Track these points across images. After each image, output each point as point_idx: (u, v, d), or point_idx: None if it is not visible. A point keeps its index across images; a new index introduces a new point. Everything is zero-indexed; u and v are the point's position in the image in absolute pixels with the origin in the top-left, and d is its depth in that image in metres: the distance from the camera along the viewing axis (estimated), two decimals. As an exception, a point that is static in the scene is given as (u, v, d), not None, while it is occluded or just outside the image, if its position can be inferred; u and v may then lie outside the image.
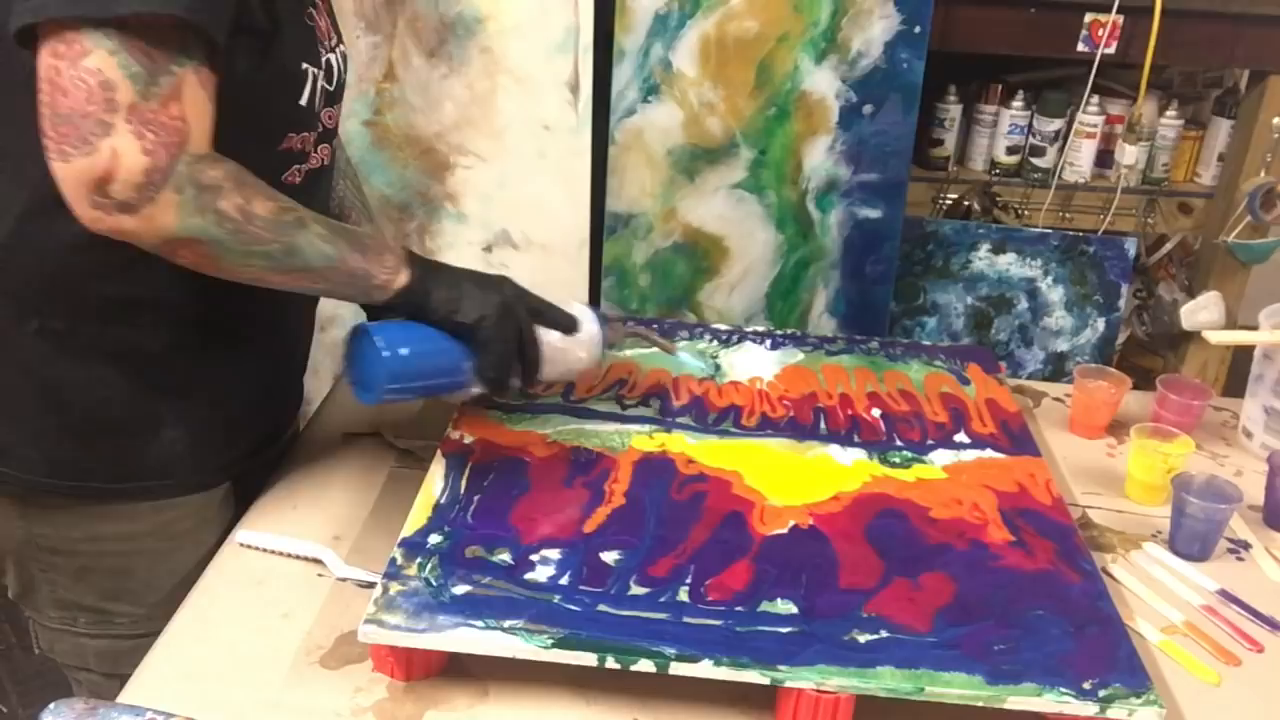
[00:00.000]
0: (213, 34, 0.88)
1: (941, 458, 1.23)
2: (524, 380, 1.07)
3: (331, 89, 1.09)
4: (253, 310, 1.08)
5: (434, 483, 1.12)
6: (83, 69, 0.84)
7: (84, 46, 0.84)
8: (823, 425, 1.28)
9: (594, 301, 1.85)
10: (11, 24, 0.85)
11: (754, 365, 1.40)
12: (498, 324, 1.02)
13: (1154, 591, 1.14)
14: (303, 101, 1.02)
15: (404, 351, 1.02)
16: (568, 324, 1.09)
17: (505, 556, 1.02)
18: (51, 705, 0.84)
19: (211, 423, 1.12)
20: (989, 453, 1.25)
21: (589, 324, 1.13)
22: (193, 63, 0.88)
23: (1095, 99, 1.98)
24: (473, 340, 1.03)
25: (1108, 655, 0.95)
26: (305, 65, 1.01)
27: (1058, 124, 2.01)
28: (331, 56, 1.08)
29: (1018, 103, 2.03)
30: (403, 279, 1.00)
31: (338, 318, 1.79)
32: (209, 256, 0.92)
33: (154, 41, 0.85)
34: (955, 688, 0.90)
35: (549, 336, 1.08)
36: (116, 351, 1.04)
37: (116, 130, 0.85)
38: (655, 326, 1.42)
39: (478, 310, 1.02)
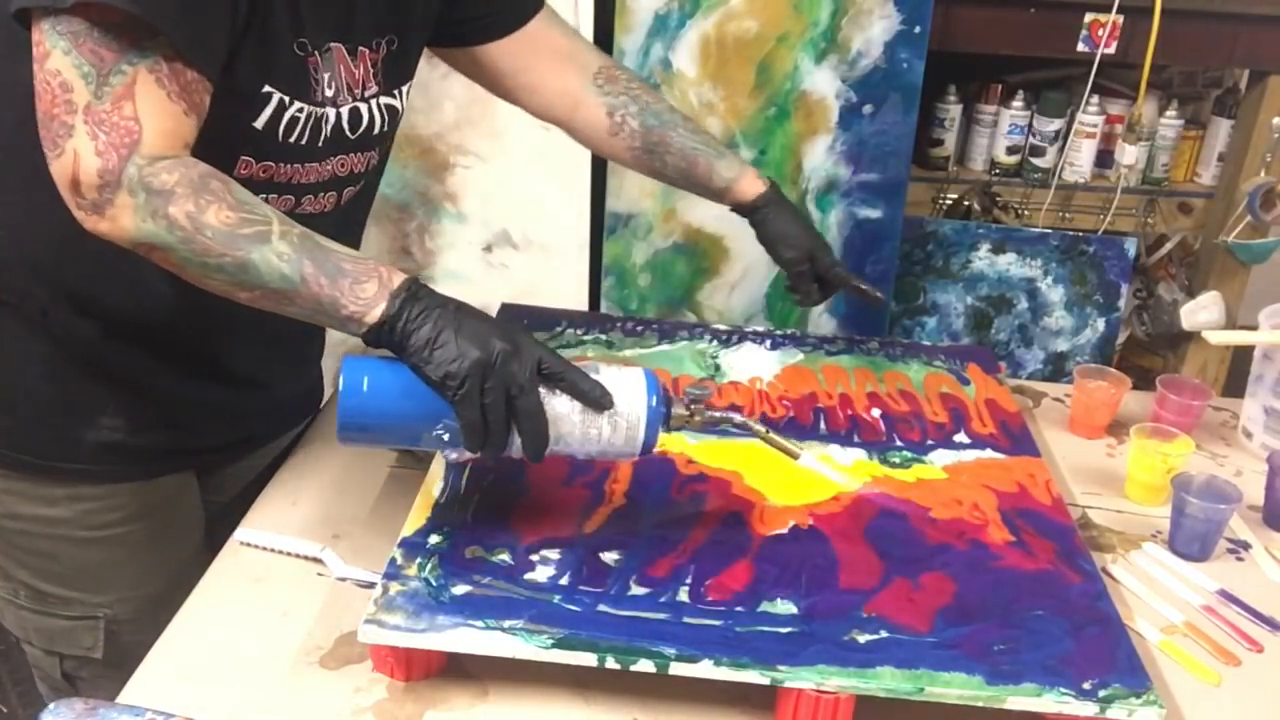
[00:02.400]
0: (167, 30, 0.85)
1: (941, 458, 1.23)
2: (525, 453, 0.93)
3: (352, 137, 1.06)
4: (216, 322, 1.07)
5: (434, 483, 1.12)
6: (47, 71, 0.85)
7: (45, 48, 0.85)
8: (823, 425, 1.28)
9: (594, 304, 1.85)
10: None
11: (754, 365, 1.40)
12: (471, 384, 0.89)
13: (1154, 591, 1.14)
14: (258, 124, 0.97)
15: (366, 390, 0.92)
16: (591, 396, 0.94)
17: (505, 557, 1.02)
18: (51, 705, 0.84)
19: (151, 421, 1.12)
20: (989, 453, 1.25)
21: (634, 398, 0.95)
22: (147, 60, 0.86)
23: (1095, 99, 1.98)
24: (444, 398, 0.91)
25: (1108, 655, 0.95)
26: (269, 89, 0.97)
27: (1058, 124, 2.01)
28: (361, 106, 1.05)
29: (1018, 103, 2.03)
30: (375, 314, 0.89)
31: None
32: (173, 264, 0.89)
33: (103, 39, 0.84)
34: (955, 688, 0.90)
35: (563, 406, 0.94)
36: (53, 330, 1.04)
37: (76, 131, 0.85)
38: (772, 428, 1.06)
39: (448, 365, 0.89)
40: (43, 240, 1.01)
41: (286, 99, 0.98)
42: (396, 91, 1.11)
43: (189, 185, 0.87)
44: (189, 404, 1.14)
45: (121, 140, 0.85)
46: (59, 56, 0.84)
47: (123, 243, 0.88)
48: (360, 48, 1.04)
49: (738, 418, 1.03)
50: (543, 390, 0.92)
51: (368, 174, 1.12)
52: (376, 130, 1.09)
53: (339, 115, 1.03)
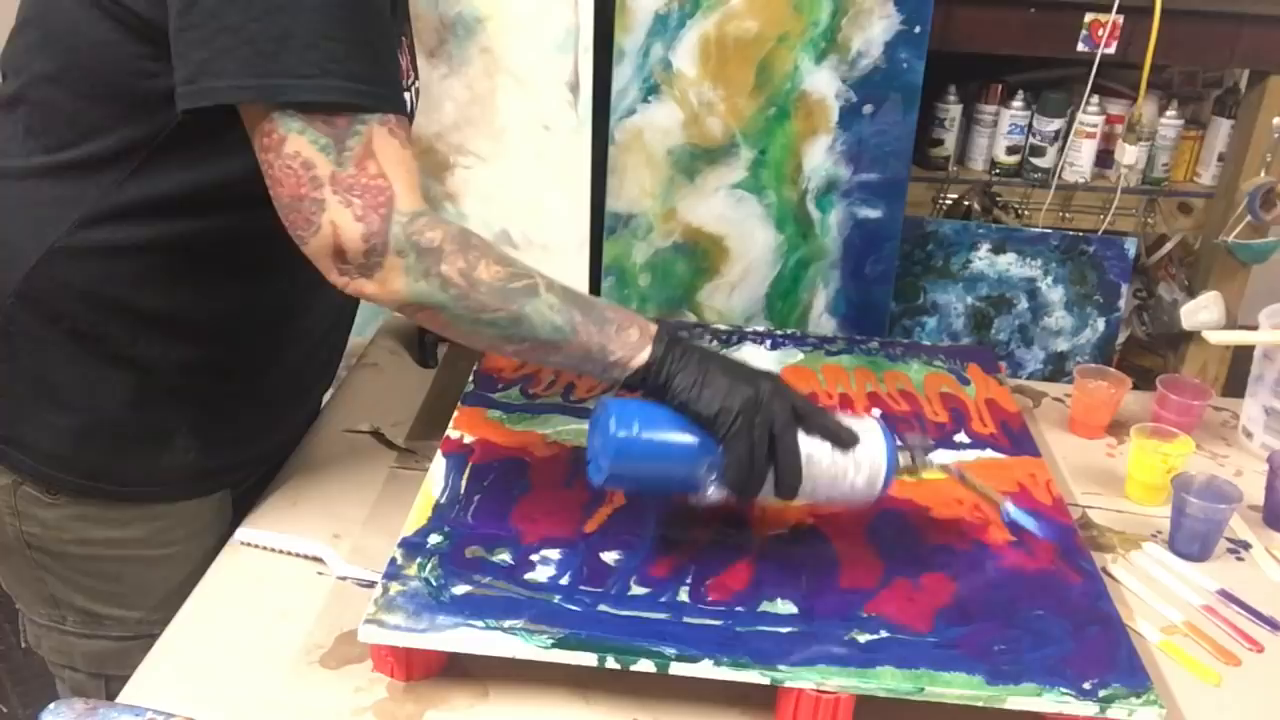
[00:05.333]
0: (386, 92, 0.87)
1: (942, 458, 1.23)
2: (779, 492, 0.95)
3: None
4: (278, 332, 1.09)
5: (434, 483, 1.12)
6: (285, 156, 0.85)
7: (280, 134, 0.85)
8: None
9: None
10: (186, 99, 0.85)
11: (754, 365, 1.40)
12: (743, 420, 0.92)
13: (1154, 591, 1.14)
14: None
15: (634, 431, 0.94)
16: (842, 437, 0.97)
17: (505, 556, 1.02)
18: (51, 705, 0.84)
19: (220, 438, 1.12)
20: (989, 453, 1.25)
21: (874, 443, 0.98)
22: (375, 115, 0.87)
23: (1095, 99, 1.98)
24: (715, 435, 0.94)
25: (1108, 655, 0.95)
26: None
27: (1058, 124, 2.01)
28: (408, 95, 1.07)
29: (1018, 103, 2.02)
30: (642, 358, 0.94)
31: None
32: (443, 323, 0.91)
33: (333, 109, 0.85)
34: (955, 688, 0.90)
35: (815, 447, 0.96)
36: (139, 360, 1.04)
37: (328, 204, 0.85)
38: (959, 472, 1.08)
39: (720, 401, 0.92)
40: (128, 269, 1.01)
41: (406, 120, 1.00)
42: (418, 75, 1.13)
43: (455, 242, 0.89)
44: (252, 418, 1.15)
45: (377, 200, 0.86)
46: (295, 139, 0.84)
47: (392, 305, 0.89)
48: (401, 37, 1.06)
49: (953, 468, 1.06)
50: (798, 431, 0.95)
51: None
52: (412, 116, 1.10)
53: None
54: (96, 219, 0.98)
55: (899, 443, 1.01)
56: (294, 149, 0.85)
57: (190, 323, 1.04)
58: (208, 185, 0.97)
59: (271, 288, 1.06)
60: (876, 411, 1.01)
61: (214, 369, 1.08)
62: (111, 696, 1.15)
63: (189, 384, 1.07)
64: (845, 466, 0.97)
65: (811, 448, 0.96)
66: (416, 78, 1.12)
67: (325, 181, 0.85)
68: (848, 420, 0.99)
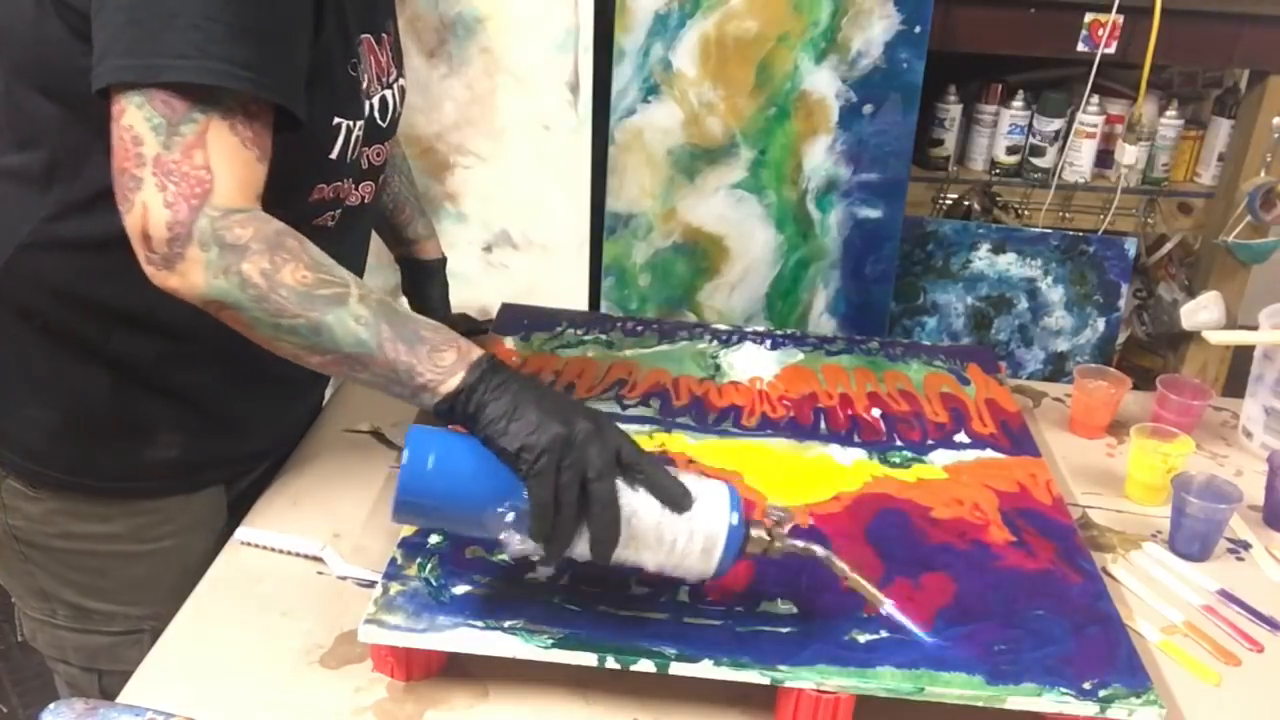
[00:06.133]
0: (258, 88, 0.85)
1: (942, 458, 1.23)
2: (592, 550, 0.86)
3: (384, 125, 1.07)
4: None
5: (434, 483, 1.11)
6: (121, 127, 0.84)
7: (121, 105, 0.84)
8: (823, 425, 1.28)
9: (594, 304, 1.85)
10: (94, 83, 0.85)
11: (754, 365, 1.40)
12: (548, 459, 0.83)
13: (1154, 591, 1.14)
14: (333, 155, 0.99)
15: (428, 463, 0.85)
16: (675, 496, 0.86)
17: (505, 556, 1.01)
18: (51, 705, 0.84)
19: (204, 434, 1.12)
20: (989, 453, 1.25)
21: (715, 512, 0.87)
22: (219, 109, 0.84)
23: (1095, 99, 1.98)
24: (517, 474, 0.85)
25: (1108, 655, 0.95)
26: (338, 120, 0.98)
27: (1058, 124, 2.01)
28: (387, 94, 1.07)
29: (1018, 103, 2.03)
30: (452, 384, 0.85)
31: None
32: (243, 324, 0.86)
33: (177, 92, 0.83)
34: (955, 688, 0.90)
35: (641, 503, 0.85)
36: (114, 355, 1.04)
37: (144, 184, 0.83)
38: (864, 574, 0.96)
39: (525, 437, 0.83)
40: (96, 264, 1.00)
41: (351, 124, 0.99)
42: (402, 73, 1.13)
43: (264, 241, 0.84)
44: (238, 414, 1.14)
45: (192, 190, 0.83)
46: (133, 112, 0.83)
47: (193, 300, 0.86)
48: (382, 34, 1.06)
49: (820, 551, 0.92)
50: (619, 483, 0.85)
51: (385, 163, 1.14)
52: (394, 115, 1.10)
53: (372, 107, 1.04)
54: (61, 214, 0.98)
55: (752, 517, 0.90)
56: (129, 122, 0.83)
57: (161, 316, 1.02)
58: None
59: None
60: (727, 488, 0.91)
61: (189, 363, 1.07)
62: (105, 691, 1.17)
63: (166, 378, 1.07)
64: (676, 529, 0.85)
65: (637, 503, 0.85)
66: (400, 75, 1.12)
67: (149, 161, 0.83)
68: (687, 478, 0.88)
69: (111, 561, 1.12)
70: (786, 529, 0.91)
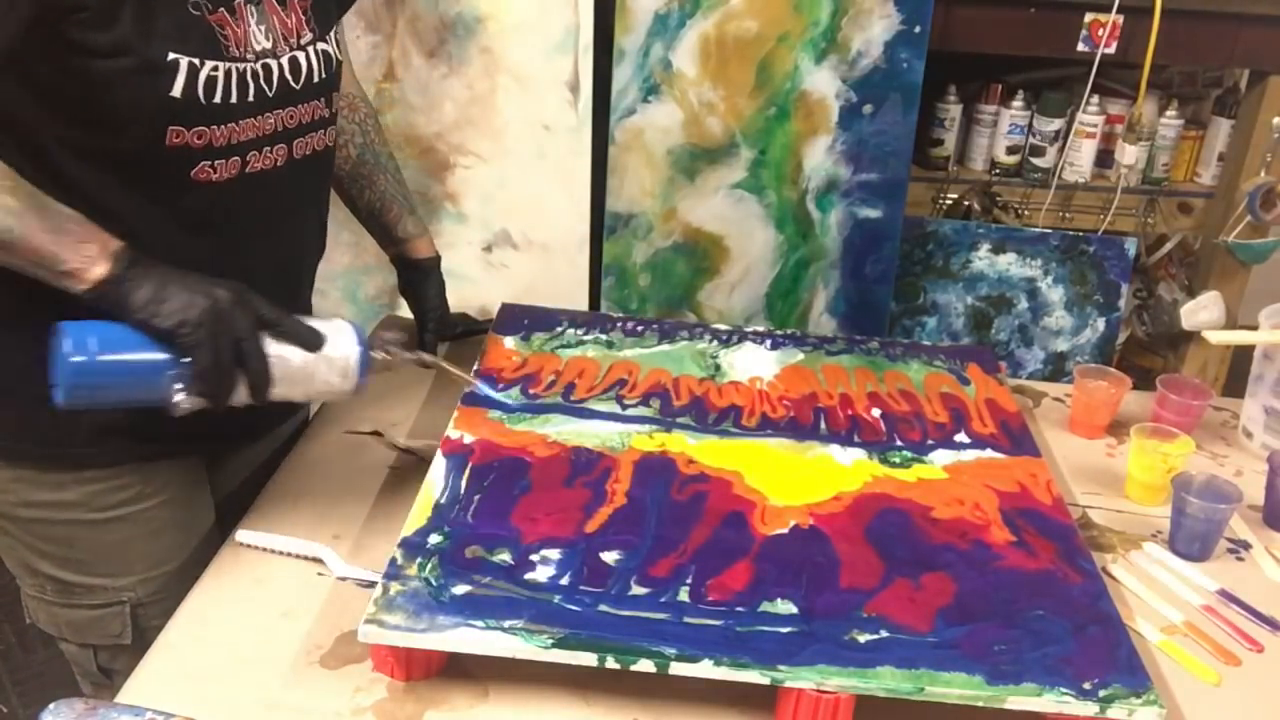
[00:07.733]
0: None
1: (942, 458, 1.23)
2: (252, 395, 0.99)
3: (297, 88, 1.08)
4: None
5: (434, 483, 1.12)
6: None
7: None
8: (823, 425, 1.28)
9: (594, 304, 1.85)
10: None
11: (754, 365, 1.40)
12: (203, 331, 0.94)
13: (1154, 591, 1.14)
14: (174, 93, 0.98)
15: (92, 352, 0.94)
16: (308, 339, 1.02)
17: (505, 556, 1.02)
18: (51, 705, 0.85)
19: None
20: (989, 453, 1.25)
21: (344, 344, 1.05)
22: None
23: (1095, 99, 1.98)
24: (176, 348, 0.95)
25: (1108, 655, 0.95)
26: (174, 56, 0.97)
27: (1058, 124, 2.01)
28: (299, 55, 1.08)
29: (1018, 103, 2.03)
30: (98, 272, 0.93)
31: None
32: None
33: None
34: (955, 688, 0.90)
35: (283, 350, 1.01)
36: (32, 320, 1.02)
37: None
38: (483, 380, 1.28)
39: (179, 315, 0.94)
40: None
41: (196, 61, 0.99)
42: (329, 37, 1.13)
43: None
44: None
45: None
46: None
47: None
48: None
49: (428, 357, 1.21)
50: (265, 337, 0.99)
51: (317, 124, 1.13)
52: (317, 78, 1.11)
53: (280, 67, 1.06)
54: None
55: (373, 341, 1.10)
56: None
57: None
58: (27, 136, 0.98)
59: (140, 241, 1.02)
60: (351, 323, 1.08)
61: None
62: (102, 668, 1.19)
63: None
64: (317, 366, 1.03)
65: (283, 350, 1.01)
66: (321, 40, 1.11)
67: None
68: (314, 322, 1.04)
69: (76, 530, 1.14)
70: (399, 350, 1.16)
